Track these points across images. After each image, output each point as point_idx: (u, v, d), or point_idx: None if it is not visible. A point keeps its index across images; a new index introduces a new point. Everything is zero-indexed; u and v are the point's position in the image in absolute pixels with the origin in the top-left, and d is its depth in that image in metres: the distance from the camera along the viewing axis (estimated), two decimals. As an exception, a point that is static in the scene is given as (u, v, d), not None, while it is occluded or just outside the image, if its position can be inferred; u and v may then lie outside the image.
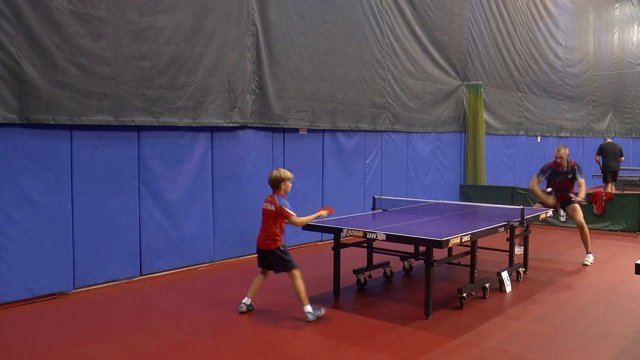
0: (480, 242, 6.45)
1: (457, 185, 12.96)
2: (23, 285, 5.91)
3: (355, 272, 6.62)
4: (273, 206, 5.44)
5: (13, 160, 5.82)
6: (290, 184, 5.63)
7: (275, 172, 5.56)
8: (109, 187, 6.61)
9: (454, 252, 6.86)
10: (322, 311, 5.48)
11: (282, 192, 5.55)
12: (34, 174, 5.97)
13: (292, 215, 5.40)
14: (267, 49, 8.24)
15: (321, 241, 9.38)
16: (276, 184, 5.53)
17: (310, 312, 5.38)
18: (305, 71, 8.83)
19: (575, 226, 8.07)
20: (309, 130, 9.11)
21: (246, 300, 5.66)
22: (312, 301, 5.96)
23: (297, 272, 5.43)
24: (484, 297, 6.12)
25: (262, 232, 5.53)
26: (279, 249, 5.44)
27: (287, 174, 5.56)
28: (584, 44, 18.83)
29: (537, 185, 7.96)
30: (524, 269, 7.14)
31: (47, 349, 4.64)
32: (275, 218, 5.43)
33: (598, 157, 14.66)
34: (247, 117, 7.99)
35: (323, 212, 5.59)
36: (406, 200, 8.50)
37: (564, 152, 7.80)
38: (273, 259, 5.49)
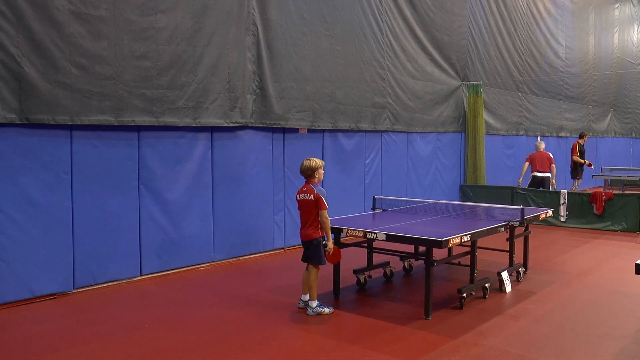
0: (480, 242, 6.45)
1: (457, 185, 12.95)
2: (23, 285, 5.91)
3: (355, 272, 6.62)
4: (312, 195, 5.45)
5: (13, 160, 5.82)
6: (323, 172, 5.69)
7: (306, 162, 5.61)
8: (109, 187, 6.61)
9: (454, 252, 6.86)
10: (326, 310, 5.56)
11: (316, 180, 5.59)
12: (34, 174, 5.97)
13: (326, 208, 5.44)
14: (267, 49, 8.24)
15: (321, 241, 9.36)
16: (309, 173, 5.58)
17: (311, 308, 5.54)
18: (306, 71, 8.83)
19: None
20: (309, 131, 9.11)
21: (303, 297, 5.72)
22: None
23: (316, 270, 5.59)
24: (484, 297, 6.12)
25: (302, 224, 5.59)
26: (317, 240, 5.51)
27: (318, 162, 5.62)
28: (584, 44, 18.81)
29: None
30: (524, 269, 7.14)
31: (47, 349, 4.64)
32: (314, 207, 5.46)
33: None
34: (247, 117, 7.99)
35: (331, 246, 5.55)
36: (406, 200, 8.50)
37: None
38: (309, 249, 5.55)
